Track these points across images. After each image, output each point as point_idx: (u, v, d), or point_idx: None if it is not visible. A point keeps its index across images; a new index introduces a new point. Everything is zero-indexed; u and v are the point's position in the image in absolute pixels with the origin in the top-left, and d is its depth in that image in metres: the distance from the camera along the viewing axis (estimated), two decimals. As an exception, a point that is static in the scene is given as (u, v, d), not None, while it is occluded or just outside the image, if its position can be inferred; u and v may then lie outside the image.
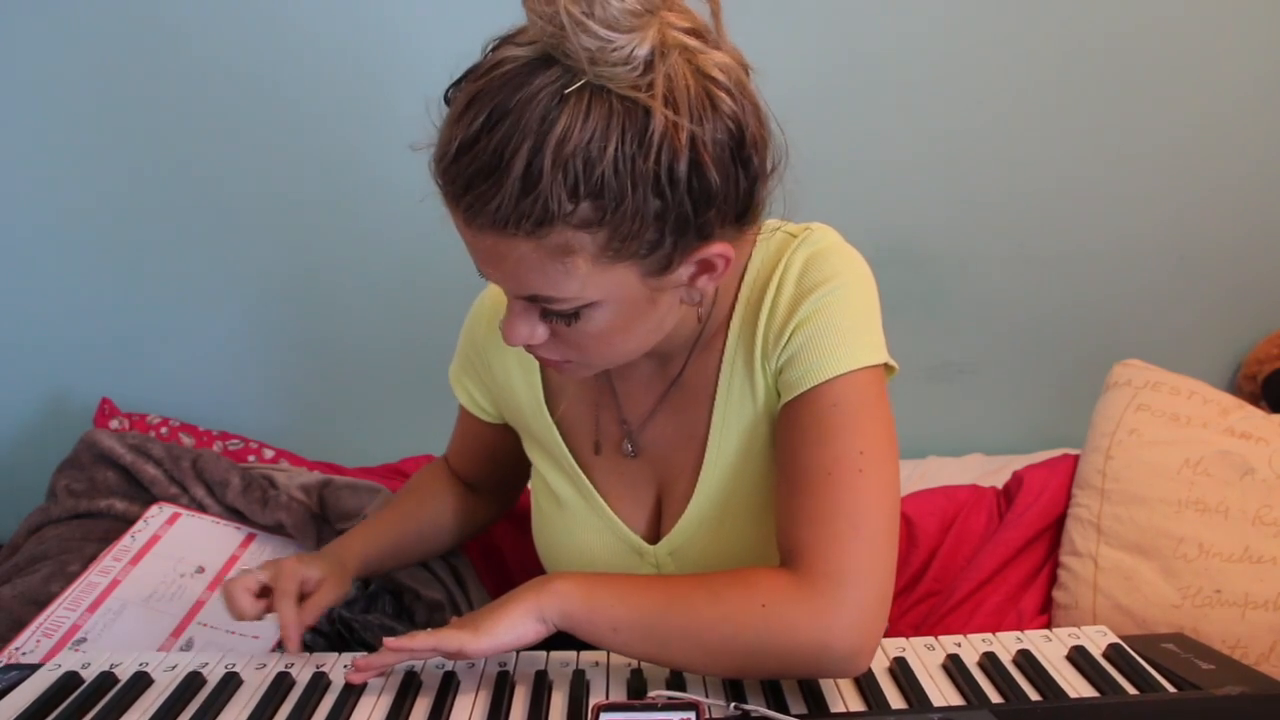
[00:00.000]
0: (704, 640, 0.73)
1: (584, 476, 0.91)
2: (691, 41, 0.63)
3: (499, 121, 0.60)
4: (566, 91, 0.60)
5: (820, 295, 0.76)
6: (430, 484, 1.09)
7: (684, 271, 0.70)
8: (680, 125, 0.61)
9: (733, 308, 0.82)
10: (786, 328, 0.77)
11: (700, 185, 0.64)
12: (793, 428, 0.77)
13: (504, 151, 0.60)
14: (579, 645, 0.84)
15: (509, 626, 0.74)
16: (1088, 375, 1.46)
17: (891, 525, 0.73)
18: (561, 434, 0.92)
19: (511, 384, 0.94)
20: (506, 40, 0.64)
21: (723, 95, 0.64)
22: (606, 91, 0.60)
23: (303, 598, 0.89)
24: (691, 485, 0.86)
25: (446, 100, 0.65)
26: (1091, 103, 1.59)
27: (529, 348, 0.75)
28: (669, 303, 0.73)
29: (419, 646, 0.75)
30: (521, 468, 1.05)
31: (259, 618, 0.87)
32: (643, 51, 0.60)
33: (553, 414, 0.92)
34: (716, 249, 0.68)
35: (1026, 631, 0.86)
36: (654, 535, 0.91)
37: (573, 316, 0.69)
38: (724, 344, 0.83)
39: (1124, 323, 1.76)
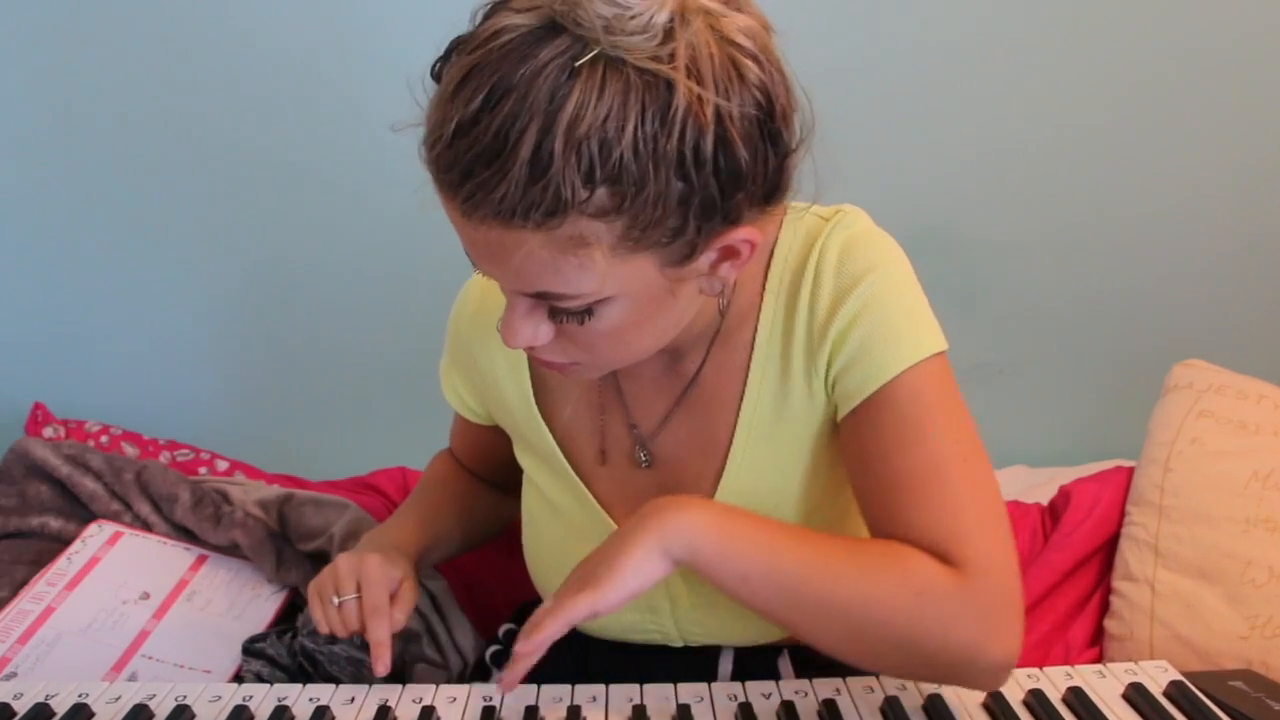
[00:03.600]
0: (846, 618, 0.73)
1: (584, 488, 0.91)
2: (712, 4, 0.63)
3: (501, 99, 0.59)
4: (577, 64, 0.59)
5: (867, 287, 0.77)
6: (452, 476, 1.11)
7: (706, 259, 0.70)
8: (705, 99, 0.61)
9: (760, 298, 0.83)
10: (832, 326, 0.78)
11: (728, 165, 0.63)
12: (875, 430, 0.78)
13: (508, 133, 0.59)
14: (573, 678, 0.84)
15: (634, 571, 0.72)
16: (1144, 377, 1.46)
17: (1006, 512, 0.78)
18: (558, 440, 0.92)
19: (499, 384, 0.94)
20: (501, 6, 0.63)
21: (749, 63, 0.63)
22: (622, 63, 0.60)
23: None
24: (708, 495, 0.87)
25: (435, 76, 0.65)
26: (1147, 70, 1.59)
27: (531, 350, 0.75)
28: (688, 294, 0.73)
29: (552, 633, 0.73)
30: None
31: (350, 636, 0.88)
32: (662, 18, 0.60)
33: (545, 417, 0.92)
34: (743, 233, 0.69)
35: (1078, 666, 0.86)
36: None
37: (585, 314, 0.69)
38: (752, 340, 0.83)
39: (1184, 317, 1.76)
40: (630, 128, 0.60)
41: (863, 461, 0.80)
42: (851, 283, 0.78)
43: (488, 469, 1.12)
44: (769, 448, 0.85)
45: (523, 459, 0.98)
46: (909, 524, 0.76)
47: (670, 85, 0.60)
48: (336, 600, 0.87)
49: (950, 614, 0.72)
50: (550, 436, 0.92)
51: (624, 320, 0.70)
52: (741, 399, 0.84)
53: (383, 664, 0.84)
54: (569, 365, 0.76)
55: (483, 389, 0.98)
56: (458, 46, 0.64)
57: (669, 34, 0.60)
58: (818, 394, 0.82)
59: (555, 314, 0.70)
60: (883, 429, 0.77)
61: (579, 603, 0.72)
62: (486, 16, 0.64)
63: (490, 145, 0.60)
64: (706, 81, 0.61)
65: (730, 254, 0.70)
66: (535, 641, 0.73)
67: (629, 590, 0.72)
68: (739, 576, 0.74)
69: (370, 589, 0.87)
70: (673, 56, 0.60)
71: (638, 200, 0.62)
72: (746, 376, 0.84)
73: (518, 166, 0.59)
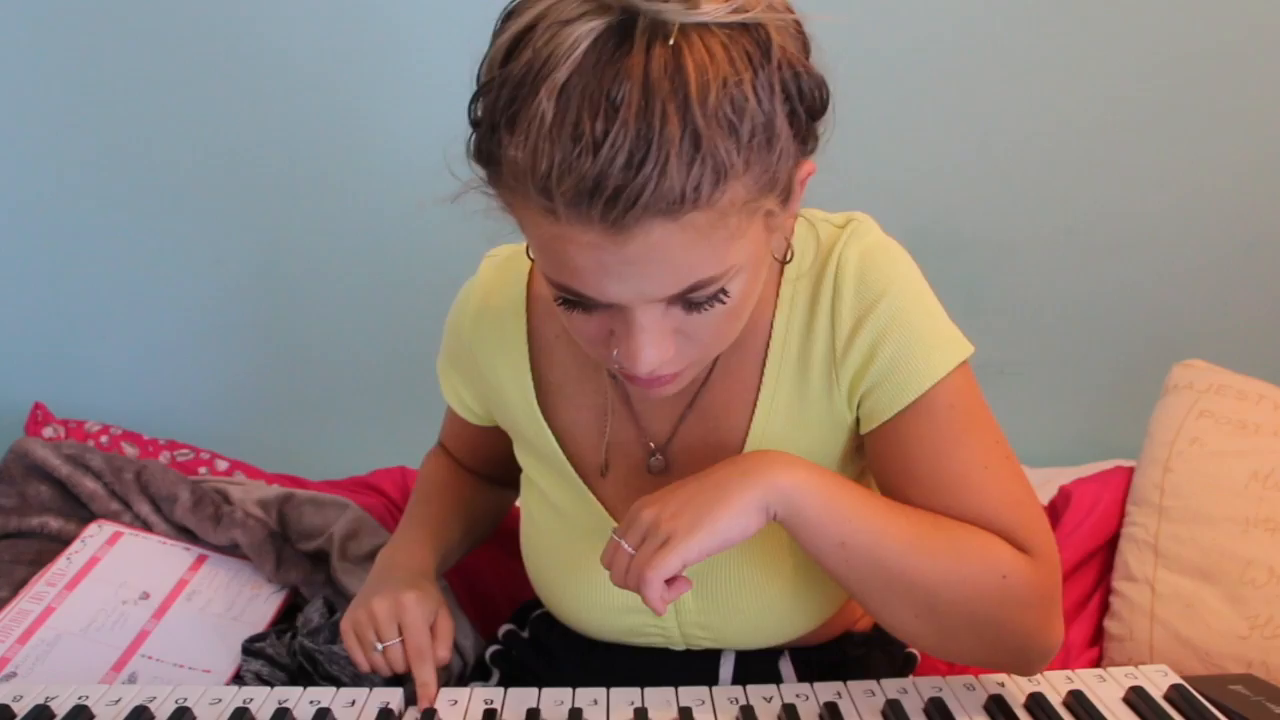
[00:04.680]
0: (933, 595, 0.75)
1: (588, 490, 0.91)
2: None
3: (622, 102, 0.57)
4: (672, 42, 0.58)
5: (891, 302, 0.79)
6: (452, 480, 1.10)
7: (794, 205, 0.70)
8: (784, 28, 0.63)
9: (774, 305, 0.83)
10: (858, 341, 0.79)
11: (812, 84, 0.65)
12: (917, 438, 0.80)
13: (650, 124, 0.57)
14: (573, 681, 0.84)
15: (730, 524, 0.71)
16: (1144, 377, 1.46)
17: None
18: (561, 443, 0.91)
19: (502, 387, 0.94)
20: (535, 27, 0.60)
21: None
22: (706, 27, 0.59)
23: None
24: None
25: (509, 121, 0.61)
26: (1148, 56, 1.58)
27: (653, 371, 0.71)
28: (769, 259, 0.74)
29: (667, 565, 0.70)
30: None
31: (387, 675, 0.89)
32: None
33: (548, 420, 0.91)
34: (807, 167, 0.70)
35: (1078, 670, 0.86)
36: None
37: (719, 295, 0.67)
38: (765, 345, 0.83)
39: (1185, 317, 1.76)
40: (747, 79, 0.60)
41: (907, 467, 0.81)
42: (875, 298, 0.79)
43: (485, 465, 1.11)
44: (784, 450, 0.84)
45: (524, 460, 0.98)
46: (977, 516, 0.78)
47: (760, 26, 0.61)
48: (380, 646, 0.87)
49: (1026, 598, 0.77)
50: (553, 440, 0.91)
51: (744, 291, 0.69)
52: (755, 405, 0.84)
53: (428, 700, 0.84)
54: (673, 377, 0.74)
55: (484, 391, 0.97)
56: (525, 80, 0.60)
57: None
58: (838, 407, 0.83)
59: (691, 307, 0.68)
60: (923, 437, 0.79)
61: (670, 556, 0.70)
62: (520, 44, 0.61)
63: (637, 145, 0.57)
64: (778, 10, 0.63)
65: (801, 184, 0.71)
66: (660, 585, 0.71)
67: (722, 542, 0.71)
68: (836, 542, 0.74)
69: (412, 633, 0.87)
70: (746, 6, 0.61)
71: (769, 148, 0.62)
72: (760, 382, 0.84)
73: (674, 154, 0.58)
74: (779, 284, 0.83)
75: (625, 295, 0.65)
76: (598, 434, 0.90)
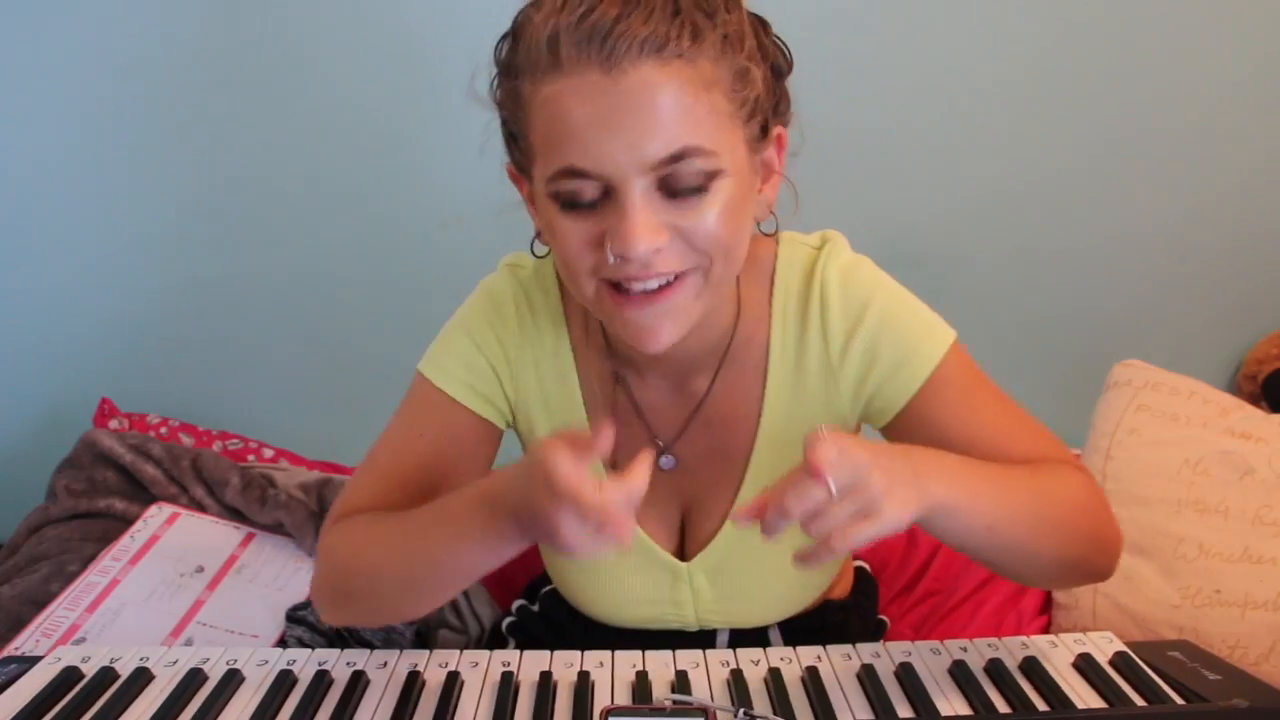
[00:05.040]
0: (1063, 526, 0.75)
1: None
2: None
3: None
4: None
5: (877, 309, 0.79)
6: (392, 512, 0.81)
7: (769, 154, 0.73)
8: None
9: (769, 322, 0.83)
10: (854, 348, 0.80)
11: (775, 44, 0.72)
12: (938, 414, 0.80)
13: None
14: (582, 644, 0.84)
15: (905, 519, 0.63)
16: (1088, 375, 1.46)
17: None
18: None
19: (545, 394, 0.87)
20: None
21: None
22: None
23: None
24: (726, 500, 0.86)
25: (519, 18, 0.68)
26: (1092, 99, 1.59)
27: (650, 259, 0.66)
28: (754, 206, 0.73)
29: (864, 535, 0.61)
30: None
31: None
32: None
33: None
34: (779, 132, 0.73)
35: (1033, 638, 0.86)
36: (679, 552, 0.89)
37: (702, 189, 0.66)
38: (764, 359, 0.83)
39: (1124, 322, 1.76)
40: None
41: (943, 437, 0.77)
42: (861, 307, 0.79)
43: (428, 493, 0.82)
44: (787, 459, 0.83)
45: None
46: (1022, 456, 0.78)
47: None
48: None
49: (1098, 494, 0.80)
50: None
51: (730, 201, 0.68)
52: (760, 414, 0.84)
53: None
54: (669, 290, 0.69)
55: (516, 392, 0.87)
56: None
57: None
58: (837, 408, 0.83)
59: (674, 193, 0.66)
60: (945, 408, 0.79)
61: (870, 528, 0.61)
62: None
63: (626, 2, 0.63)
64: None
65: (777, 151, 0.74)
66: (846, 546, 0.61)
67: (887, 534, 0.63)
68: (984, 529, 0.70)
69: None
70: None
71: (740, 52, 0.67)
72: (764, 393, 0.83)
73: (659, 4, 0.63)
74: (770, 302, 0.83)
75: (619, 156, 0.64)
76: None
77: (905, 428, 0.82)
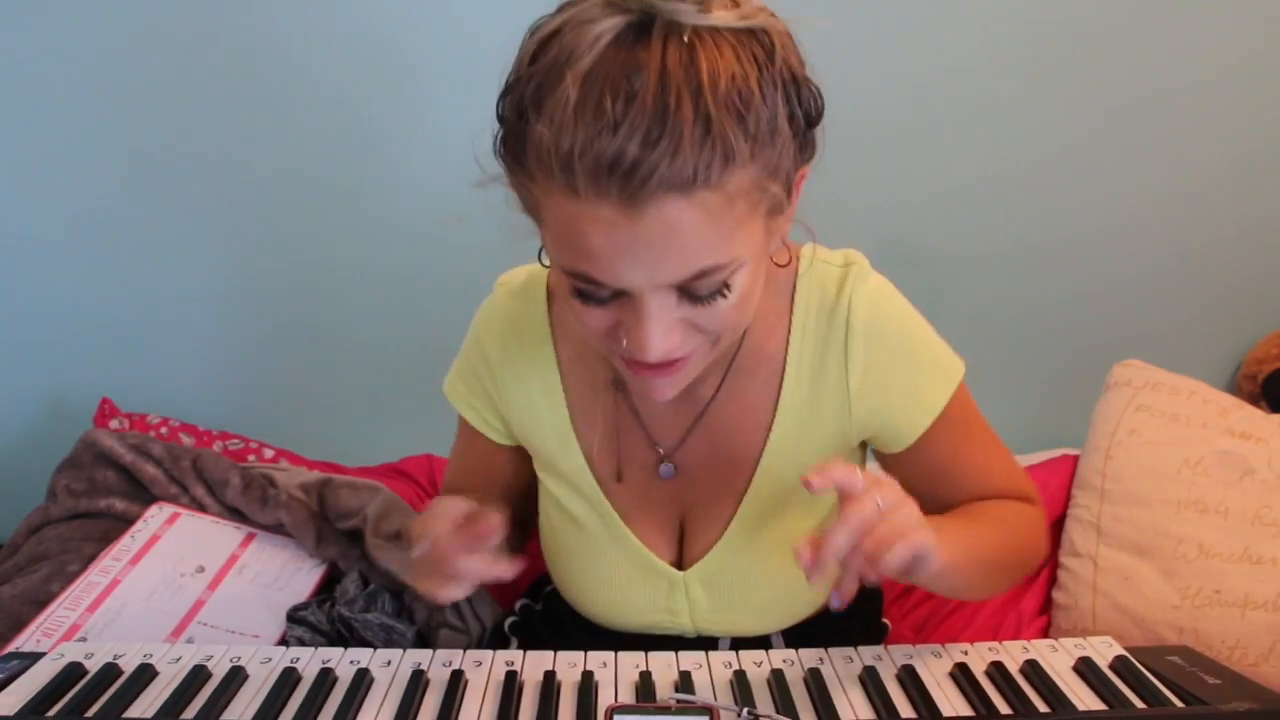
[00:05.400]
0: (1011, 567, 0.87)
1: (607, 503, 0.88)
2: None
3: (640, 88, 0.56)
4: (686, 39, 0.57)
5: (902, 335, 0.82)
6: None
7: (791, 209, 0.69)
8: (786, 31, 0.62)
9: (787, 335, 0.82)
10: (873, 377, 0.81)
11: (810, 92, 0.64)
12: (939, 449, 0.85)
13: (665, 106, 0.56)
14: (585, 644, 0.84)
15: (941, 557, 0.69)
16: (1087, 375, 1.46)
17: None
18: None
19: (535, 408, 0.89)
20: (561, 30, 0.60)
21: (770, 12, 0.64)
22: (718, 30, 0.59)
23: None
24: (726, 510, 0.86)
25: (534, 102, 0.59)
26: (1092, 97, 1.59)
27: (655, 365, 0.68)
28: (767, 261, 0.72)
29: (920, 543, 0.66)
30: (533, 497, 0.99)
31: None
32: None
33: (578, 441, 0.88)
34: (803, 172, 0.68)
35: (1033, 641, 0.86)
36: (676, 560, 0.89)
37: (724, 289, 0.64)
38: (780, 372, 0.83)
39: (1124, 322, 1.76)
40: (753, 77, 0.59)
41: (937, 470, 0.87)
42: (885, 336, 0.81)
43: (504, 493, 0.99)
44: (794, 472, 0.83)
45: (544, 476, 0.93)
46: (994, 492, 0.88)
47: (765, 30, 0.60)
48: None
49: (1042, 534, 0.91)
50: (582, 457, 0.87)
51: (746, 287, 0.66)
52: (771, 425, 0.83)
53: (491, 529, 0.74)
54: (676, 366, 0.70)
55: (508, 411, 0.90)
56: (552, 70, 0.59)
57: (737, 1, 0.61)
58: (847, 431, 0.84)
59: (696, 300, 0.65)
60: (946, 444, 0.85)
61: (926, 537, 0.67)
62: (546, 44, 0.60)
63: (654, 123, 0.56)
64: (777, 15, 0.63)
65: (796, 188, 0.68)
66: (899, 557, 0.66)
67: (921, 554, 0.67)
68: (963, 584, 0.79)
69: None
70: (752, 13, 0.61)
71: (772, 144, 0.61)
72: (776, 405, 0.83)
73: (687, 132, 0.56)
74: (790, 318, 0.82)
75: (637, 279, 0.62)
76: (610, 449, 0.87)
77: (907, 459, 0.86)
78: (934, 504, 0.85)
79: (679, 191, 0.58)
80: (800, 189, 0.69)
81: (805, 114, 0.64)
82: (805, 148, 0.66)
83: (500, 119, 0.64)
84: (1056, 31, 1.55)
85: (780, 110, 0.61)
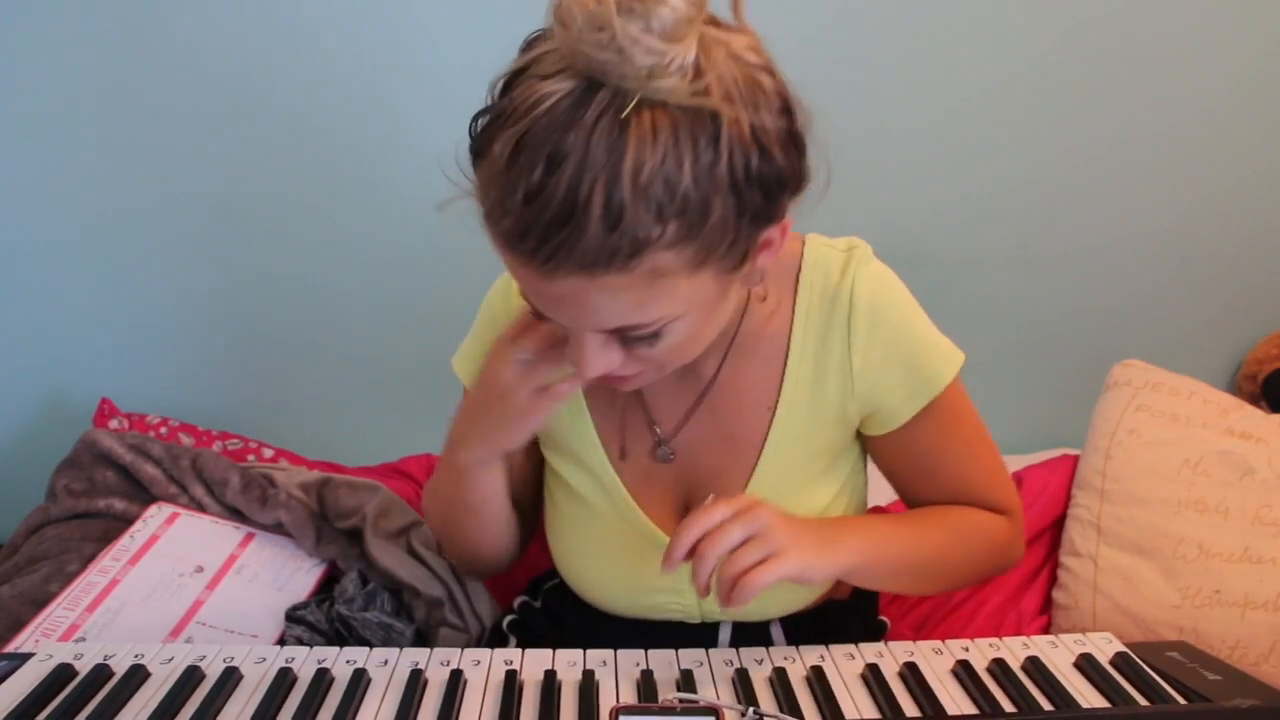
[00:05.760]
0: (954, 571, 0.89)
1: (618, 480, 0.88)
2: (719, 32, 0.61)
3: (561, 164, 0.56)
4: (623, 116, 0.56)
5: (901, 325, 0.82)
6: None
7: (754, 260, 0.68)
8: (744, 119, 0.59)
9: (791, 318, 0.83)
10: (873, 359, 0.82)
11: (771, 173, 0.62)
12: (923, 440, 0.86)
13: (576, 193, 0.56)
14: (585, 639, 0.84)
15: (836, 561, 0.77)
16: (1088, 376, 1.46)
17: None
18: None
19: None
20: (522, 74, 0.60)
21: (764, 76, 0.62)
22: (664, 105, 0.57)
23: None
24: (734, 489, 0.86)
25: (475, 151, 0.62)
26: (1093, 102, 1.59)
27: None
28: (735, 291, 0.73)
29: (774, 576, 0.71)
30: (537, 486, 1.00)
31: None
32: (692, 56, 0.58)
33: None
34: (778, 226, 0.67)
35: (1033, 637, 0.86)
36: None
37: (654, 337, 0.67)
38: (784, 353, 0.83)
39: (1124, 323, 1.76)
40: (688, 163, 0.58)
41: (915, 463, 0.89)
42: (886, 323, 0.82)
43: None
44: (800, 450, 0.85)
45: (551, 455, 0.94)
46: (972, 496, 0.89)
47: (714, 115, 0.58)
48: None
49: (1008, 549, 0.91)
50: (594, 432, 0.88)
51: (689, 333, 0.68)
52: (776, 405, 0.84)
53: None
54: (633, 378, 0.73)
55: None
56: (497, 120, 0.60)
57: (699, 70, 0.58)
58: (849, 412, 0.85)
59: (627, 341, 0.68)
60: (930, 437, 0.86)
61: (781, 568, 0.72)
62: (509, 85, 0.61)
63: (562, 208, 0.57)
64: (740, 104, 0.59)
65: (767, 245, 0.68)
66: (749, 594, 0.71)
67: (808, 580, 0.75)
68: (890, 578, 0.85)
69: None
70: (708, 90, 0.58)
71: (705, 226, 0.60)
72: (781, 385, 0.84)
73: (593, 222, 0.57)
74: (794, 299, 0.83)
75: (564, 323, 0.66)
76: (614, 429, 0.89)
77: (894, 441, 0.87)
78: (909, 499, 0.92)
79: (584, 272, 0.59)
80: (785, 235, 0.69)
81: (772, 181, 0.62)
82: (769, 211, 0.64)
83: (471, 127, 0.65)
84: (1063, 40, 1.55)
85: (721, 190, 0.59)
